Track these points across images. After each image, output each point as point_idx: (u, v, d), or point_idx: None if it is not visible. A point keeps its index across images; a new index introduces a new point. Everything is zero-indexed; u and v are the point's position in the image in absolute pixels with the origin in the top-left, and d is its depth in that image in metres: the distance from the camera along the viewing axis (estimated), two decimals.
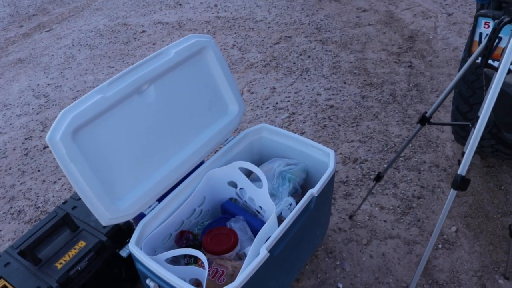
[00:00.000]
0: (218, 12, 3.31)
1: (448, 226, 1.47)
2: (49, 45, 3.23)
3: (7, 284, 1.11)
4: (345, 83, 2.27)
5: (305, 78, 2.33)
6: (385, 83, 2.25)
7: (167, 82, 1.13)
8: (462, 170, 0.89)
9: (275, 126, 1.97)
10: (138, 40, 3.06)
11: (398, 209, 1.53)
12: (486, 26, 1.19)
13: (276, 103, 2.15)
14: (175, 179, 1.17)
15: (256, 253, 0.96)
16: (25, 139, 2.17)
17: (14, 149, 2.11)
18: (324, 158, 1.23)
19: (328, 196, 1.24)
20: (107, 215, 1.02)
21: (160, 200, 1.13)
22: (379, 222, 1.49)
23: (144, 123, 1.10)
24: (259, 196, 1.16)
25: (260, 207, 1.19)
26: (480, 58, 0.96)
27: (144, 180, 1.11)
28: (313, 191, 1.09)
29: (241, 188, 1.23)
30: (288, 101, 2.16)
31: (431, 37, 2.70)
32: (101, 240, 1.17)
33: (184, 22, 3.23)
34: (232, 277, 1.05)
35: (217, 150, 1.28)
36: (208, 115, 1.25)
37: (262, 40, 2.79)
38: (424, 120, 1.13)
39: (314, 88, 2.24)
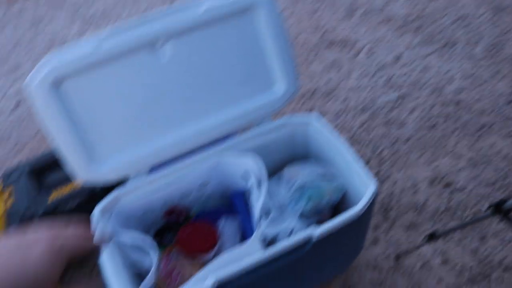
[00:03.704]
0: None
1: None
2: None
3: (12, 194, 1.14)
4: (497, 73, 1.71)
5: (445, 54, 1.82)
6: None
7: (191, 42, 0.91)
8: None
9: (374, 105, 1.62)
10: None
11: (468, 272, 1.15)
12: None
13: (391, 77, 1.74)
14: (179, 152, 1.00)
15: (202, 280, 0.78)
16: None
17: None
18: (362, 188, 0.93)
19: (348, 237, 0.95)
20: (79, 175, 0.92)
21: (153, 170, 1.00)
22: (430, 278, 1.14)
23: (150, 84, 0.92)
24: (255, 208, 0.94)
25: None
26: None
27: (137, 146, 0.96)
28: (313, 234, 0.83)
29: (250, 186, 1.02)
30: (408, 77, 1.73)
31: None
32: (95, 188, 1.11)
33: None
34: None
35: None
36: (242, 88, 1.01)
37: None
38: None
39: (450, 70, 1.74)
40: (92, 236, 0.38)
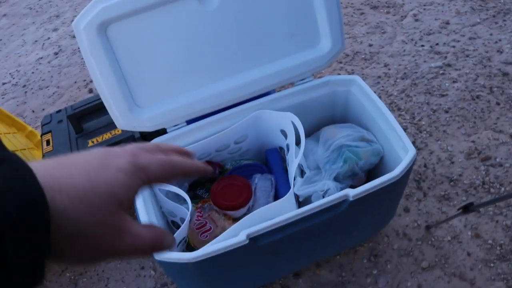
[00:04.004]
0: None
1: None
2: None
3: (50, 140, 1.18)
4: None
5: (496, 23, 1.73)
6: None
7: None
8: None
9: (416, 72, 1.57)
10: None
11: (499, 248, 1.13)
12: None
13: (436, 44, 1.67)
14: (217, 105, 1.00)
15: (234, 234, 0.79)
16: None
17: None
18: (401, 153, 0.91)
19: (382, 201, 0.94)
20: (120, 120, 0.94)
21: (191, 122, 1.00)
22: (459, 251, 1.13)
23: (196, 33, 0.91)
24: (291, 166, 0.94)
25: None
26: None
27: (178, 96, 0.97)
28: (349, 194, 0.82)
29: (287, 144, 1.01)
30: (454, 46, 1.66)
31: None
32: (133, 135, 1.13)
33: None
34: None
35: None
36: (288, 43, 0.99)
37: None
38: None
39: (500, 40, 1.66)
40: (183, 165, 0.33)
